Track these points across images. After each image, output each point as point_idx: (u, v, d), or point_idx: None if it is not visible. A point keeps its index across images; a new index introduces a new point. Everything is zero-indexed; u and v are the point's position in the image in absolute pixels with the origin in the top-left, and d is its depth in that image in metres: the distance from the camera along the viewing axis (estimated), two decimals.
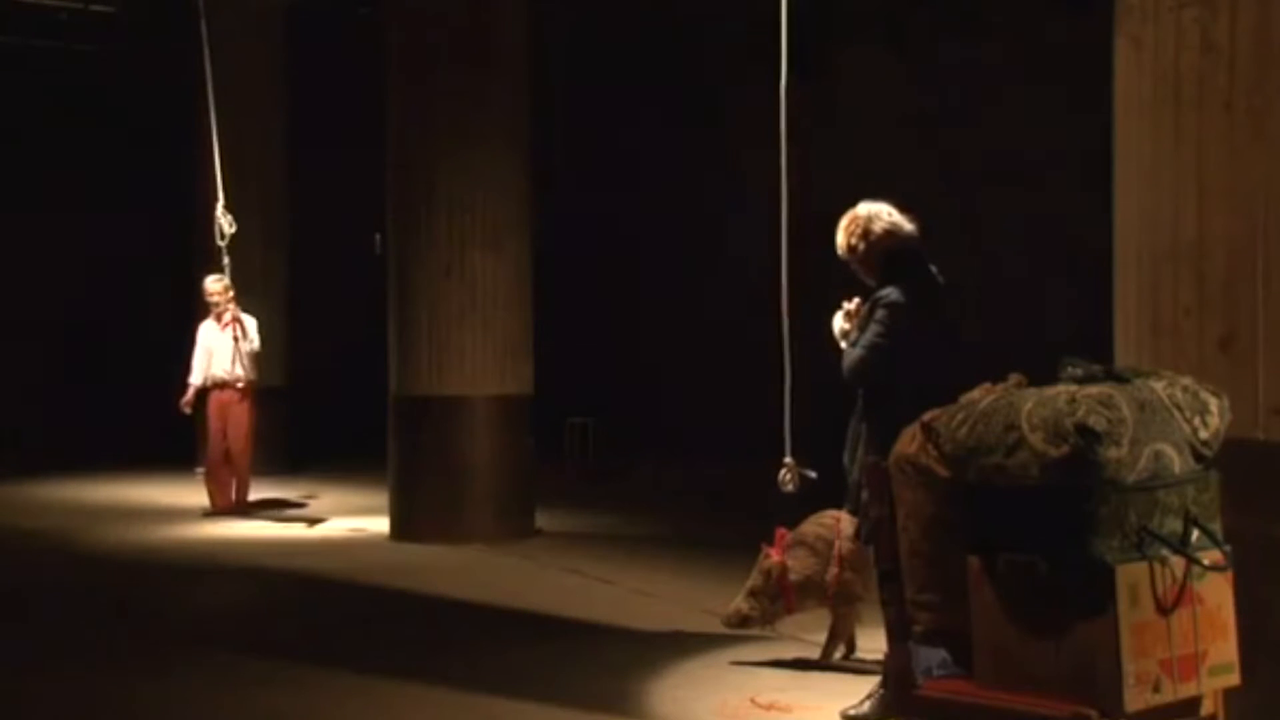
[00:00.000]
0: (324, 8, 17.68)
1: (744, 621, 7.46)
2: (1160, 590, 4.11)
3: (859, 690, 6.58)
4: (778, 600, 7.39)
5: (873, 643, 6.72)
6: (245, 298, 13.47)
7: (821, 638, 7.47)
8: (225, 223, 12.74)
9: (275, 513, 13.69)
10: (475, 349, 11.81)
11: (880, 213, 6.43)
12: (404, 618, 9.18)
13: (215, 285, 13.23)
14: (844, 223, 6.47)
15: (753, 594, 7.43)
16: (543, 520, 12.31)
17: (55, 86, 18.16)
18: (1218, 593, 4.26)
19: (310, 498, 14.61)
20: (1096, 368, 4.39)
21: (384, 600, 9.72)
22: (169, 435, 15.91)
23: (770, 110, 7.69)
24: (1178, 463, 4.23)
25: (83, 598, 9.82)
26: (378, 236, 12.80)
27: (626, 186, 17.55)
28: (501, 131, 11.86)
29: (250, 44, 16.19)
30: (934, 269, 6.45)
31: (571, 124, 18.14)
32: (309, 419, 16.97)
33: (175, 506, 13.92)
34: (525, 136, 12.18)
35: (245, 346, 13.13)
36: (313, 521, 13.09)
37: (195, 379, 13.34)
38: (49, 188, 18.50)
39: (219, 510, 13.29)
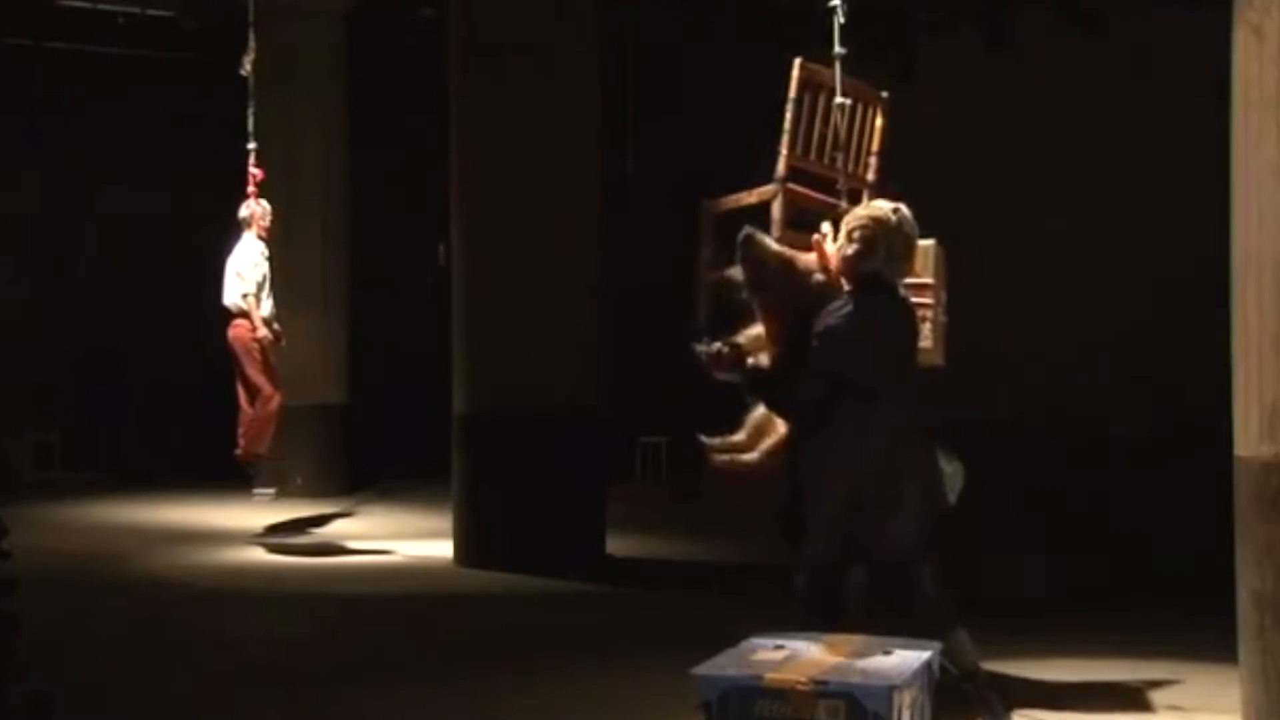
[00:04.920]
0: (386, 9, 17.70)
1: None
2: None
3: None
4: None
5: None
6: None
7: None
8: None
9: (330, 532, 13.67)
10: (541, 362, 11.59)
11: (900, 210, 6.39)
12: (464, 645, 9.07)
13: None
14: (858, 219, 6.42)
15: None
16: (614, 545, 12.10)
17: (113, 92, 18.29)
18: None
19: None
20: None
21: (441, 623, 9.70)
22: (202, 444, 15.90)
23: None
24: None
25: (127, 627, 9.61)
26: (441, 247, 12.78)
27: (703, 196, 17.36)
28: (572, 137, 11.78)
29: (312, 47, 16.21)
30: None
31: (647, 127, 18.03)
32: (370, 436, 16.88)
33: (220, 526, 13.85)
34: (597, 143, 12.11)
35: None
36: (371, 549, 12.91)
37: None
38: (99, 191, 18.62)
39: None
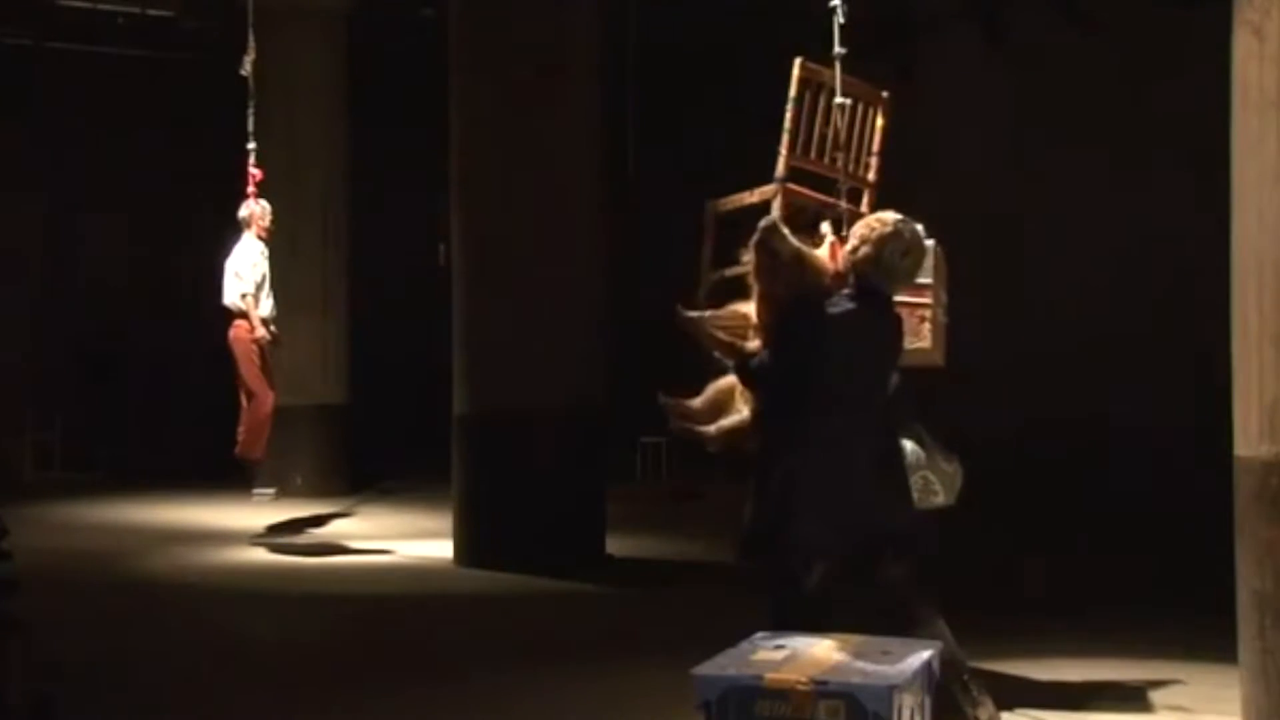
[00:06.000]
0: (387, 10, 17.71)
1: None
2: None
3: None
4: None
5: None
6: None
7: None
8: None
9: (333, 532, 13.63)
10: (541, 362, 11.51)
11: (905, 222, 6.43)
12: (464, 644, 9.05)
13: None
14: (862, 221, 6.47)
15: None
16: (614, 545, 12.06)
17: (113, 92, 18.27)
18: None
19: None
20: None
21: (444, 626, 9.65)
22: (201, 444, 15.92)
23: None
24: None
25: (127, 627, 9.58)
26: (441, 247, 12.79)
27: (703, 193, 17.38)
28: (572, 137, 11.77)
29: (312, 48, 16.22)
30: None
31: (646, 125, 18.02)
32: (371, 437, 16.86)
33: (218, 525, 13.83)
34: (597, 143, 12.10)
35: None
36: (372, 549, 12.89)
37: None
38: (100, 191, 18.60)
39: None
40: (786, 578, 6.30)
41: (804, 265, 6.41)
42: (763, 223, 6.46)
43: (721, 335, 6.64)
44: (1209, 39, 6.36)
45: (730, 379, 6.75)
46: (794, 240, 6.49)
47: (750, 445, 6.67)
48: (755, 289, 6.47)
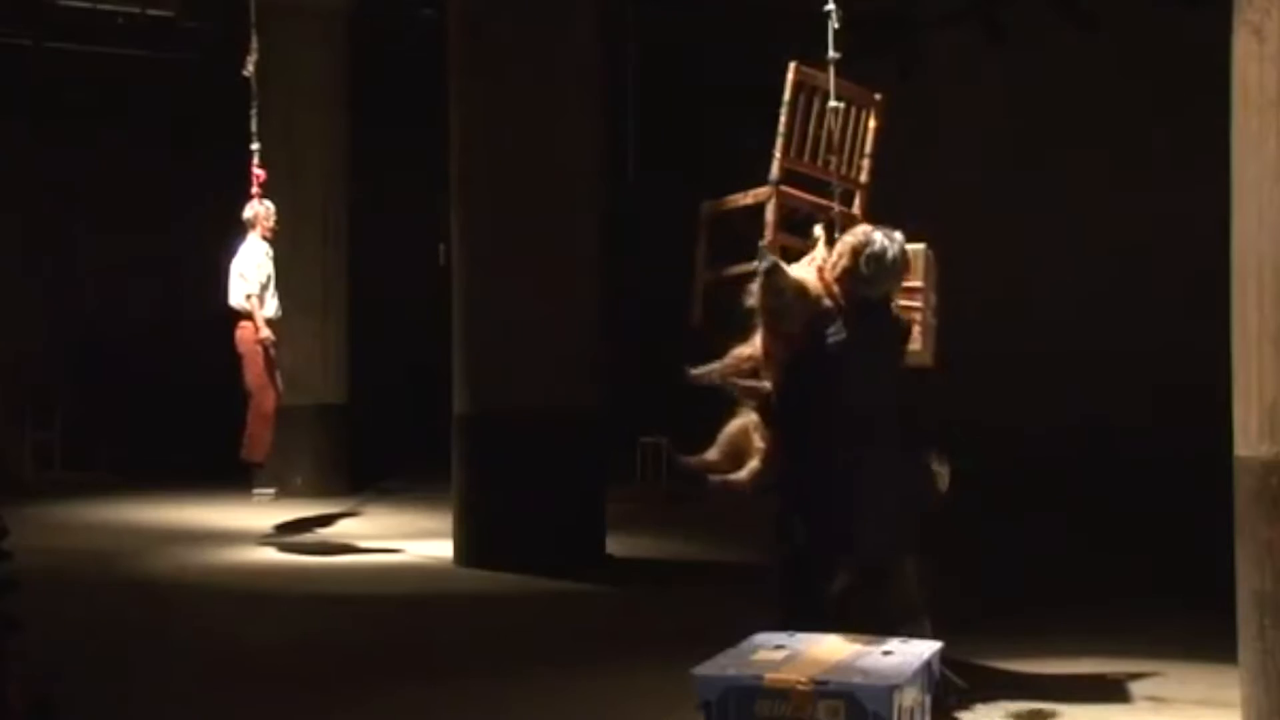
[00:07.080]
0: (387, 10, 17.71)
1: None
2: None
3: None
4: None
5: None
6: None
7: None
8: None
9: (335, 533, 13.63)
10: (541, 362, 11.50)
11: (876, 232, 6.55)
12: (464, 644, 9.05)
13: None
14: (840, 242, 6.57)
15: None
16: (614, 545, 12.04)
17: (112, 92, 18.22)
18: None
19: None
20: None
21: (444, 627, 9.66)
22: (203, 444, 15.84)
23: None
24: None
25: (127, 627, 9.57)
26: (441, 247, 12.78)
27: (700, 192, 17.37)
28: (572, 137, 11.79)
29: (313, 48, 16.23)
30: None
31: (647, 127, 17.99)
32: (371, 437, 16.82)
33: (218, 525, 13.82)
34: (598, 143, 12.11)
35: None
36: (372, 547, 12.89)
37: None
38: (100, 190, 18.59)
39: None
40: (801, 587, 6.35)
41: (805, 297, 6.53)
42: (763, 266, 6.58)
43: (740, 382, 6.77)
44: (1209, 39, 6.36)
45: (740, 422, 6.88)
46: (794, 275, 6.58)
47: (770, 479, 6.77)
48: (762, 325, 6.57)
